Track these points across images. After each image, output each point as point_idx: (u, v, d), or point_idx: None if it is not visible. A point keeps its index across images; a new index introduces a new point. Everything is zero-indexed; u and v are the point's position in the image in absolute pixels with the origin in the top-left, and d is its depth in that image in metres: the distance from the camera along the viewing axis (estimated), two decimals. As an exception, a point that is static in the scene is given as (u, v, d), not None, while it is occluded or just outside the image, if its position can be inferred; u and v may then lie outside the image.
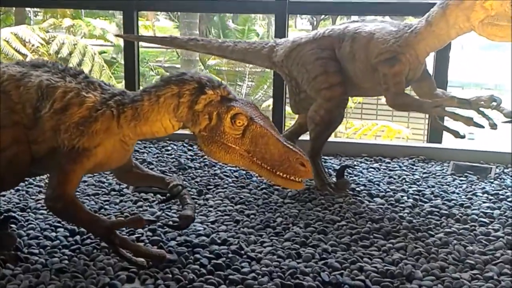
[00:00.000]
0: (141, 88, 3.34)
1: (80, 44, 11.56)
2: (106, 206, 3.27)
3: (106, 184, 3.62)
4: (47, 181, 2.70)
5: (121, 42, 12.05)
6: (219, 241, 2.79)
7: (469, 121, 3.01)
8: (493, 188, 3.75)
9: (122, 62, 12.63)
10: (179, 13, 12.69)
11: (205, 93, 2.34)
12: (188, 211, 2.61)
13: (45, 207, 2.72)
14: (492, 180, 3.94)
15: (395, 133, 7.85)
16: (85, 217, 2.34)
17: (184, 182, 3.69)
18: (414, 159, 4.43)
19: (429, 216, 3.23)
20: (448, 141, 5.47)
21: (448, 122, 3.98)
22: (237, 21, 14.29)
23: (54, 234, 2.83)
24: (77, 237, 2.77)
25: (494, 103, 3.28)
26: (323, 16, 19.03)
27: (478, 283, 2.44)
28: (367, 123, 8.43)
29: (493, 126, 3.15)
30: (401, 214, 3.24)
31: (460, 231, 3.00)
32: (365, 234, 2.93)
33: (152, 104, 2.39)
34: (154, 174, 2.84)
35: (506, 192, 3.67)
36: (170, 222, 2.98)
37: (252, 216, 3.17)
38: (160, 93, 2.39)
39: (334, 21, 20.51)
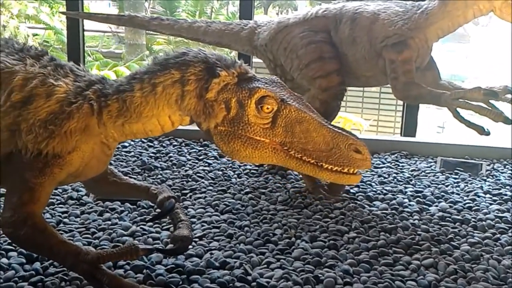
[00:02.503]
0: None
1: (11, 25, 10.31)
2: (65, 220, 2.66)
3: (60, 191, 2.98)
4: (2, 199, 2.06)
5: (56, 24, 10.94)
6: (216, 263, 2.28)
7: (498, 117, 2.65)
8: (491, 187, 3.47)
9: (56, 46, 11.58)
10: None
11: (217, 76, 1.78)
12: (184, 230, 2.07)
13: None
14: (485, 178, 3.67)
15: (351, 125, 7.57)
16: (60, 248, 1.75)
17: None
18: (396, 155, 4.10)
19: (442, 222, 2.87)
20: (422, 134, 5.23)
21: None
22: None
23: (5, 260, 2.19)
24: (37, 265, 2.16)
25: (509, 96, 2.95)
26: (255, 3, 18.56)
27: (536, 309, 2.08)
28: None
29: (507, 121, 2.80)
30: (412, 221, 2.86)
31: (485, 241, 2.65)
32: (383, 248, 2.52)
33: (146, 95, 1.82)
34: (135, 183, 2.25)
35: (506, 192, 3.39)
36: (154, 244, 2.42)
37: (246, 228, 2.67)
38: (156, 80, 1.81)
39: (266, 10, 20.14)
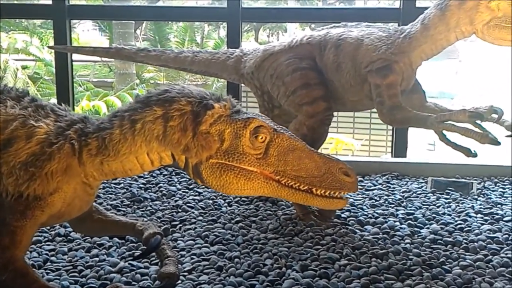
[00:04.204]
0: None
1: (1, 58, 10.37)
2: (52, 258, 2.62)
3: (48, 227, 2.94)
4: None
5: (46, 55, 10.97)
6: (206, 298, 2.25)
7: (484, 139, 2.65)
8: (482, 206, 3.46)
9: (47, 78, 11.59)
10: (111, 23, 11.73)
11: (211, 108, 1.81)
12: (171, 267, 2.05)
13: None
14: (476, 197, 3.66)
15: (343, 145, 7.57)
16: (42, 293, 1.73)
17: (144, 218, 3.10)
18: (387, 176, 4.09)
19: (434, 245, 2.85)
20: (413, 153, 5.23)
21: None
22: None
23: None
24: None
25: (495, 115, 2.96)
26: (246, 27, 18.69)
27: (529, 334, 2.06)
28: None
29: (493, 142, 2.79)
30: (403, 245, 2.83)
31: (476, 263, 2.63)
32: (374, 275, 2.49)
33: (125, 132, 1.82)
34: (121, 219, 2.23)
35: (497, 210, 3.39)
36: (142, 281, 2.39)
37: (236, 259, 2.64)
38: (136, 117, 1.82)
39: (257, 33, 20.30)
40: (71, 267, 2.52)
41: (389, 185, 3.92)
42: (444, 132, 2.77)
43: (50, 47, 6.83)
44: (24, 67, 11.19)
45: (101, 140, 1.84)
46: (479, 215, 3.31)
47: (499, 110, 2.96)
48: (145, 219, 3.03)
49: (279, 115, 3.35)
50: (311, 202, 1.88)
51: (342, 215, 3.26)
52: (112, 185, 3.75)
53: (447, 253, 2.75)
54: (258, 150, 1.83)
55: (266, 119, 1.93)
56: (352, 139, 7.97)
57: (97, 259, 2.61)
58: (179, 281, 2.36)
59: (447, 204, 3.51)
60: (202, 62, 3.50)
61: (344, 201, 1.89)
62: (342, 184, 1.84)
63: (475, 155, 2.73)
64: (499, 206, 3.47)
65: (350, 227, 3.07)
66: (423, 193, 3.72)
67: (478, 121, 2.87)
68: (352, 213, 3.30)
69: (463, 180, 3.95)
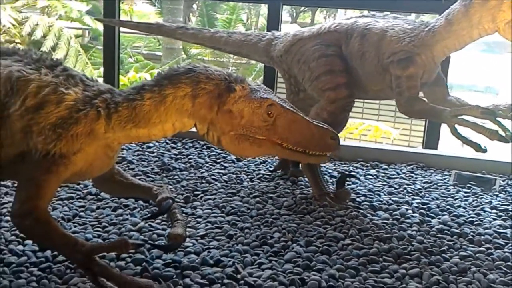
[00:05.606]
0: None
1: (55, 26, 10.91)
2: (81, 213, 2.90)
3: (82, 186, 3.23)
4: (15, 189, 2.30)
5: (99, 26, 11.43)
6: (211, 261, 2.45)
7: (494, 135, 2.72)
8: (500, 203, 3.50)
9: (99, 47, 12.04)
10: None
11: (234, 91, 2.09)
12: (179, 229, 2.26)
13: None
14: (497, 193, 3.69)
15: (382, 133, 7.59)
16: (59, 239, 1.97)
17: (169, 186, 3.33)
18: (412, 166, 4.16)
19: (439, 235, 2.95)
20: (445, 147, 5.23)
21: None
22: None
23: (21, 247, 2.45)
24: (48, 253, 2.39)
25: (513, 114, 3.00)
26: (302, 8, 18.62)
27: (508, 323, 2.16)
28: (354, 122, 8.18)
29: (502, 139, 2.84)
30: (409, 232, 2.95)
31: (477, 255, 2.72)
32: (373, 256, 2.63)
33: (156, 104, 2.07)
34: (140, 183, 2.47)
35: (514, 208, 3.42)
36: (158, 241, 2.63)
37: (246, 230, 2.84)
38: (166, 92, 2.07)
39: (313, 14, 20.21)
40: (97, 222, 2.78)
41: (412, 175, 3.99)
42: (457, 126, 2.85)
43: (97, 20, 7.10)
44: (77, 36, 11.65)
45: (131, 109, 2.07)
46: (493, 211, 3.35)
47: (518, 109, 3.00)
48: (170, 187, 3.26)
49: (303, 99, 3.48)
50: (306, 159, 2.33)
51: (357, 199, 3.38)
52: (146, 153, 4.01)
53: (451, 243, 2.84)
54: (267, 122, 2.13)
55: (271, 93, 2.21)
56: (391, 128, 7.97)
57: (120, 217, 2.87)
58: (191, 244, 2.59)
59: (465, 198, 3.57)
60: (235, 43, 3.67)
61: (328, 157, 2.31)
62: (330, 146, 2.21)
63: (484, 151, 2.80)
64: (517, 203, 3.50)
65: (362, 211, 3.20)
66: (444, 185, 3.78)
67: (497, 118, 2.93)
68: (367, 198, 3.42)
69: (487, 176, 3.97)
